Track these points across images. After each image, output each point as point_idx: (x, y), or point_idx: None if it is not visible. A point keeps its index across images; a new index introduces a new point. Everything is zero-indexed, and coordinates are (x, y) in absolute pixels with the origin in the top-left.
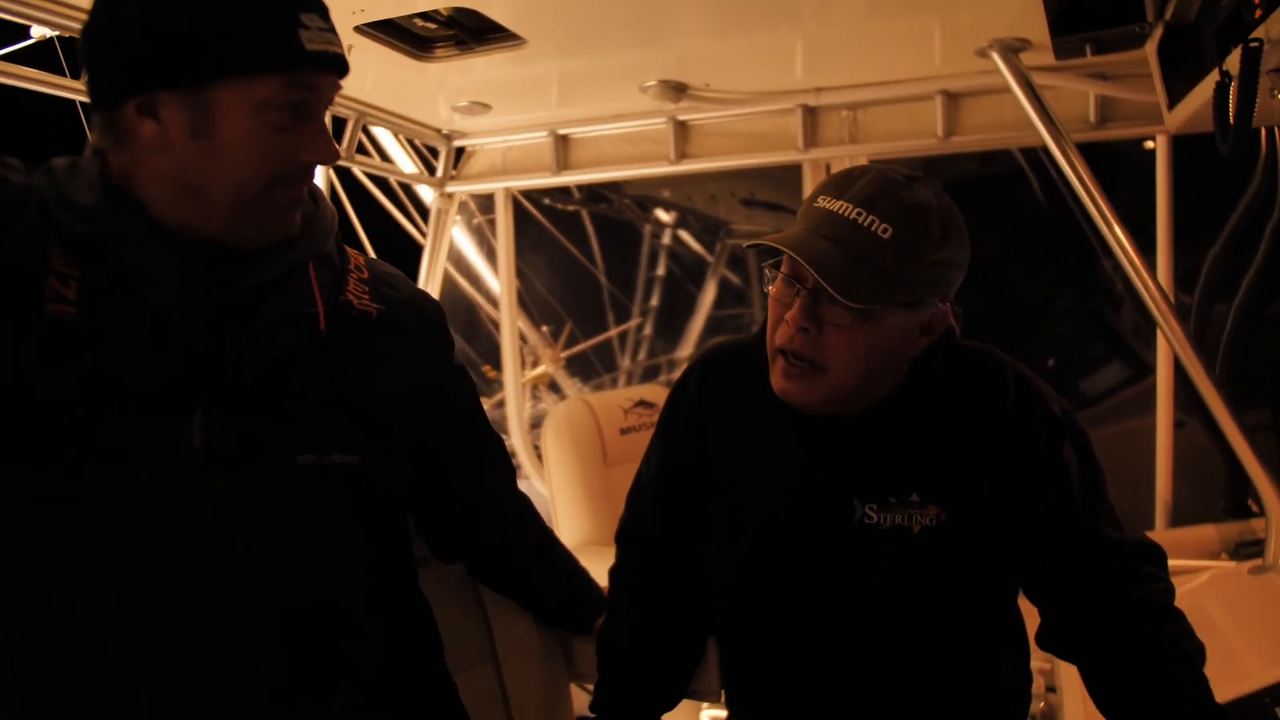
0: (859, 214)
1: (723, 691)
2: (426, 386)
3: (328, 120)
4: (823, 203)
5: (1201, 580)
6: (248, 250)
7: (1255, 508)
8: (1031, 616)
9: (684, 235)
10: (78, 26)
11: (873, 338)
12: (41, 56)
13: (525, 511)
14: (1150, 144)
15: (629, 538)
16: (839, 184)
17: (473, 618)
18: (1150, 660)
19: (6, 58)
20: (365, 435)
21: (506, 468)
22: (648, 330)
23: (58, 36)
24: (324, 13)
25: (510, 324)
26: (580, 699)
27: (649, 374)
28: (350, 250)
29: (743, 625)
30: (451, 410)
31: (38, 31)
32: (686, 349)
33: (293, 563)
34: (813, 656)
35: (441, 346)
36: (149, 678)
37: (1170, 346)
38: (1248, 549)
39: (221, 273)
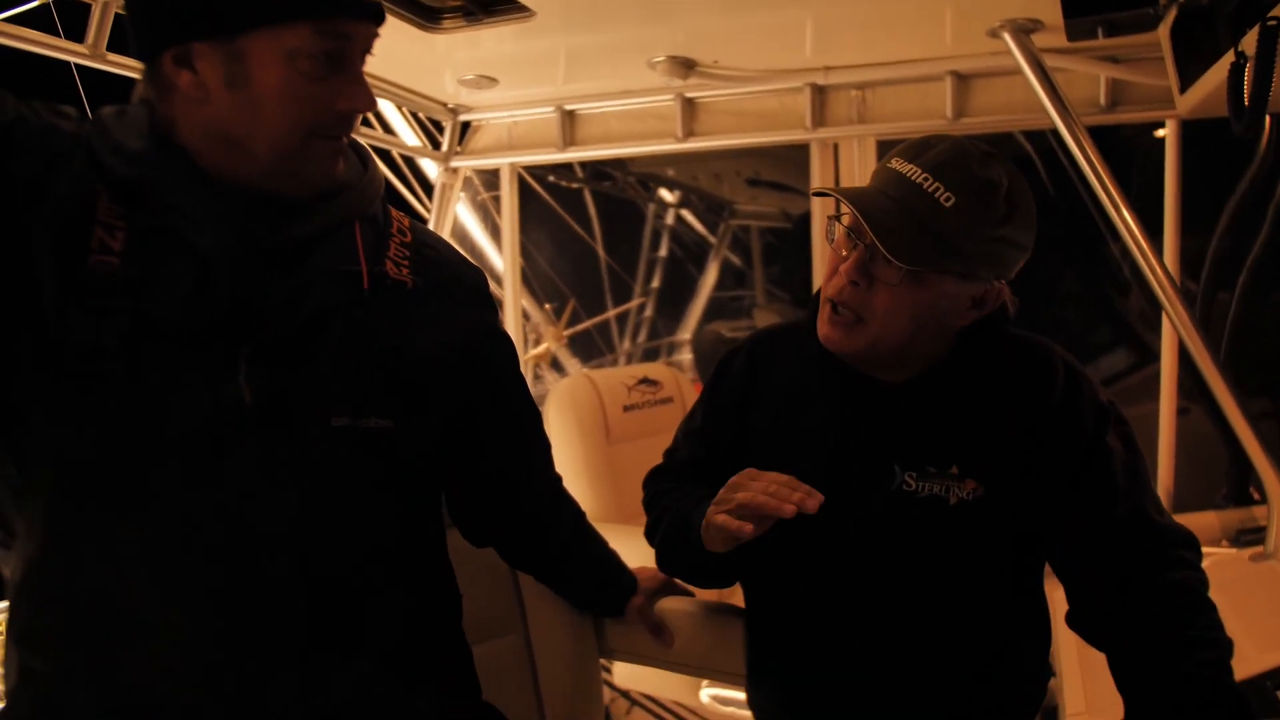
0: (925, 179)
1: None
2: (465, 349)
3: None
4: (895, 164)
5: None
6: (292, 200)
7: (1257, 495)
8: (1057, 606)
9: (687, 215)
10: None
11: (919, 301)
12: (39, 21)
13: (562, 492)
14: (1160, 132)
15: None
16: (915, 148)
17: (505, 586)
18: (1178, 647)
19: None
20: (400, 400)
21: (545, 444)
22: (649, 311)
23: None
24: None
25: (514, 301)
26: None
27: (649, 355)
28: (396, 213)
29: (772, 588)
30: (491, 376)
31: None
32: (687, 331)
33: (322, 525)
34: (837, 625)
35: (482, 311)
36: (172, 624)
37: (1176, 332)
38: (1249, 536)
39: (266, 223)
